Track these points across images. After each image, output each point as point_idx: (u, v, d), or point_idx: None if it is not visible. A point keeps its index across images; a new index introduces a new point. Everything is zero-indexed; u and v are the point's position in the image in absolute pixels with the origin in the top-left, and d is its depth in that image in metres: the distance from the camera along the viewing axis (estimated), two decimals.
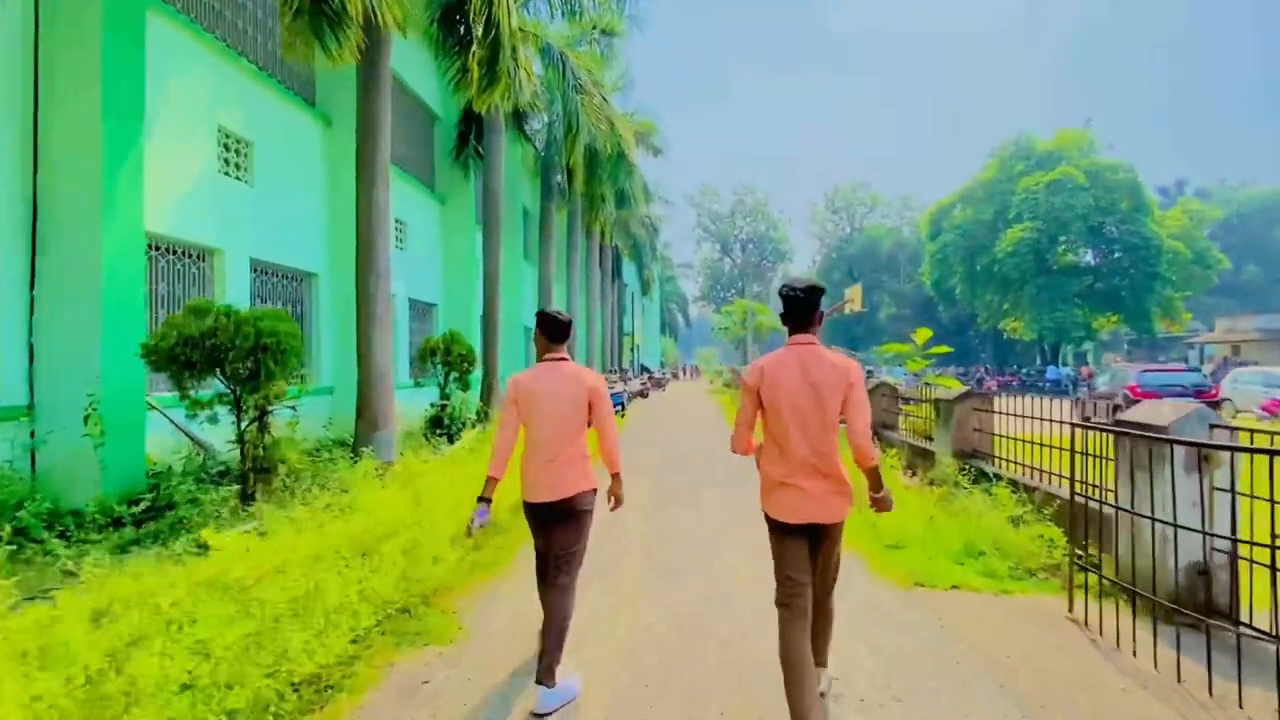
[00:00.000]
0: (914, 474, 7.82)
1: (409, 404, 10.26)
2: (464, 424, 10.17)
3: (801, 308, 2.55)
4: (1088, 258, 37.80)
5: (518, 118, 14.35)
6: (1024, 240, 33.78)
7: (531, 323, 4.20)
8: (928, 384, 9.37)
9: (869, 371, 30.43)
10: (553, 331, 2.99)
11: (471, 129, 13.47)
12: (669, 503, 7.26)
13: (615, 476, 3.09)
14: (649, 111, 24.96)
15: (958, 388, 9.32)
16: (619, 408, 16.88)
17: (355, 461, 6.62)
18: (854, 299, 25.14)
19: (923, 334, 9.68)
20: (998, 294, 39.59)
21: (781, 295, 2.61)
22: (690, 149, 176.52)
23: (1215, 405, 14.02)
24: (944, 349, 10.06)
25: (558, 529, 2.88)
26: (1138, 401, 13.89)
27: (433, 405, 10.00)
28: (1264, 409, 15.38)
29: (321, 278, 10.02)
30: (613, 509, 3.12)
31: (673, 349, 66.45)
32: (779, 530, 2.54)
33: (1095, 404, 5.86)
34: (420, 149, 13.80)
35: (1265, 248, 61.27)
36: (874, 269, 64.98)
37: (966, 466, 6.45)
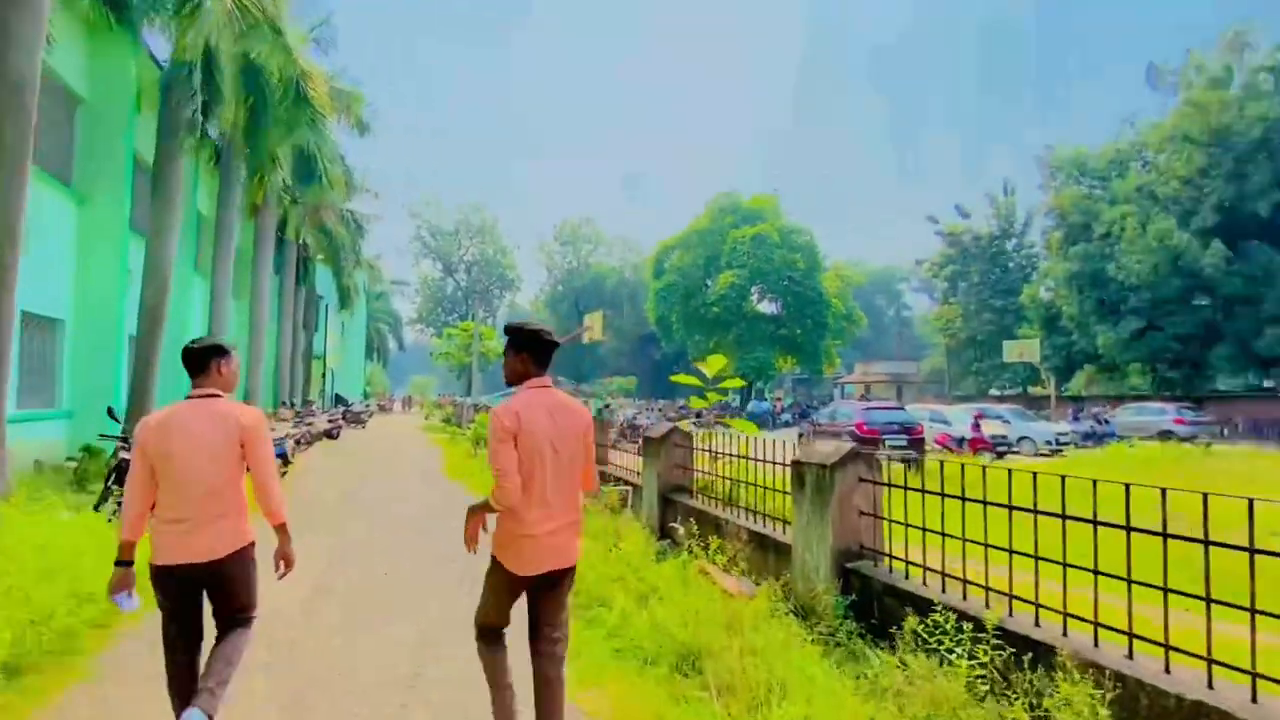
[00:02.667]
0: (755, 580, 5.17)
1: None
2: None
3: (549, 351, 2.59)
4: (774, 307, 43.54)
5: None
6: (733, 285, 36.87)
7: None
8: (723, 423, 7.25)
9: (605, 405, 29.05)
10: (192, 361, 2.64)
11: None
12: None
13: (280, 530, 2.67)
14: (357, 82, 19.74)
15: (753, 431, 7.20)
16: (281, 461, 11.53)
17: None
18: (594, 326, 23.35)
19: (716, 362, 7.38)
20: (707, 334, 42.98)
21: (531, 336, 2.57)
22: (408, 155, 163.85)
23: (921, 440, 15.17)
24: (738, 382, 7.87)
25: (210, 595, 2.59)
26: (868, 438, 13.99)
27: None
28: (938, 442, 17.47)
29: None
30: (280, 575, 2.68)
31: (381, 376, 57.84)
32: (512, 584, 2.52)
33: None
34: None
35: (871, 310, 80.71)
36: (599, 303, 66.69)
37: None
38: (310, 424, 17.78)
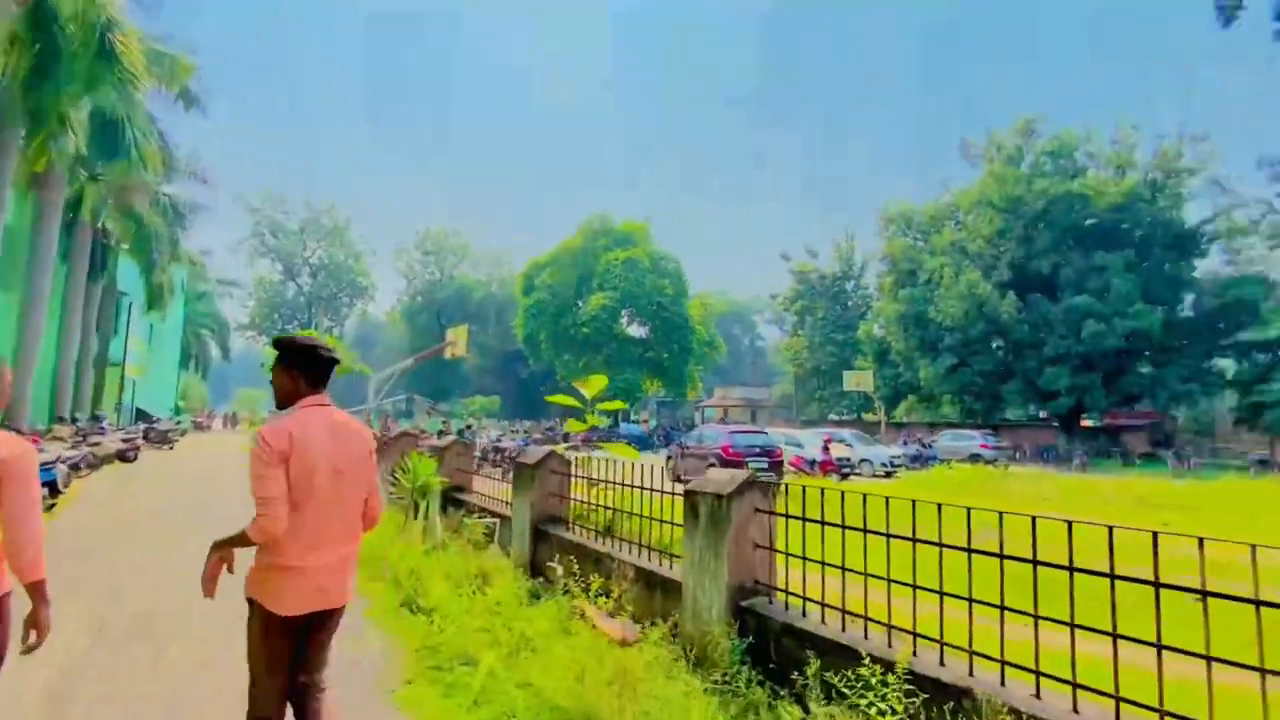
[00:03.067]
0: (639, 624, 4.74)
1: None
2: None
3: (326, 369, 2.41)
4: (643, 331, 44.37)
5: None
6: (605, 307, 36.96)
7: None
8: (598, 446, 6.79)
9: (467, 425, 27.29)
10: None
11: None
12: None
13: (35, 590, 2.14)
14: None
15: (634, 456, 6.90)
16: (48, 490, 9.24)
17: None
18: (457, 342, 21.94)
19: (596, 382, 6.99)
20: (576, 354, 42.64)
21: (305, 352, 2.37)
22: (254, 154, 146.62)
23: (780, 463, 15.86)
24: (619, 404, 7.58)
25: None
26: (733, 461, 14.32)
27: None
28: (792, 464, 18.46)
29: None
30: (27, 647, 2.16)
31: (199, 389, 50.38)
32: (279, 629, 2.22)
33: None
34: None
35: (729, 338, 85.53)
36: (463, 318, 63.69)
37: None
38: (97, 444, 14.68)
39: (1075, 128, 33.98)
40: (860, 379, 36.97)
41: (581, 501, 6.21)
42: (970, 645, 2.85)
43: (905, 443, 26.95)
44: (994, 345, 33.48)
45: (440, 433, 26.66)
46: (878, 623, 3.29)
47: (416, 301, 68.26)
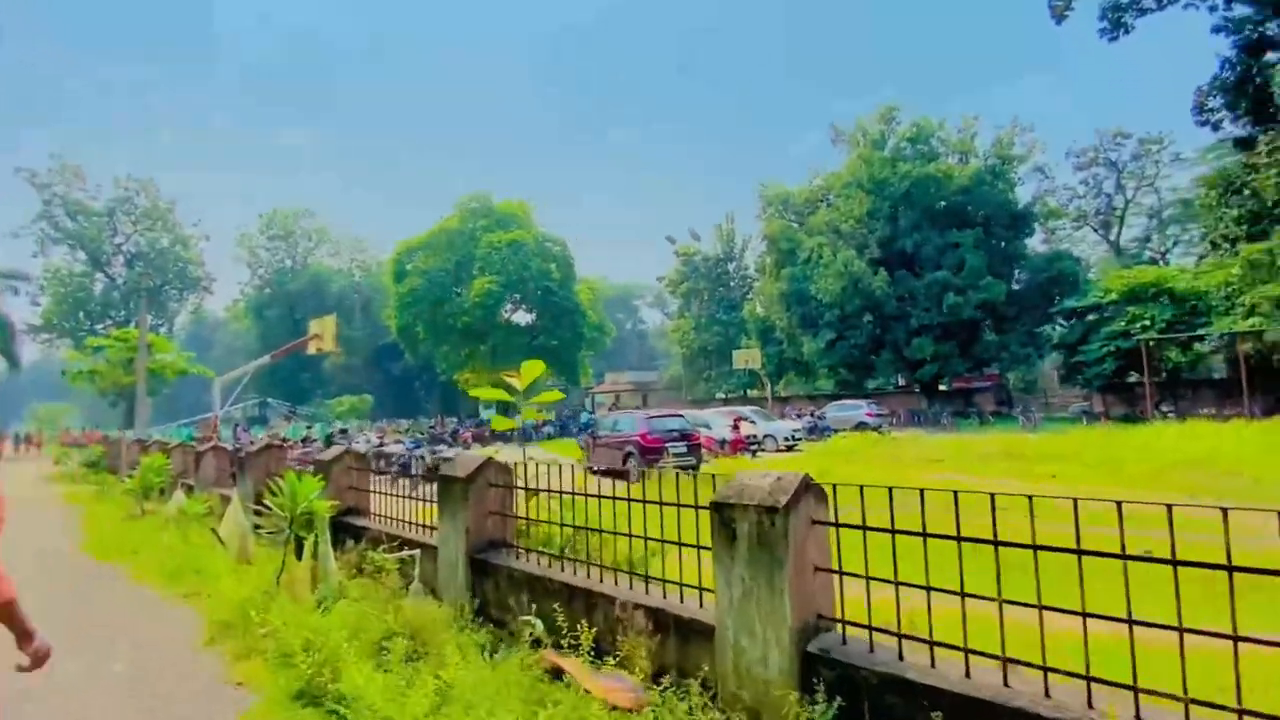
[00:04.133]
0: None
1: None
2: None
3: None
4: (529, 317, 42.37)
5: None
6: (489, 292, 34.57)
7: None
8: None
9: (341, 430, 23.98)
10: None
11: None
12: None
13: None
14: None
15: (576, 455, 5.71)
16: None
17: None
18: (323, 335, 19.01)
19: (532, 369, 5.73)
20: (458, 345, 39.76)
21: None
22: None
23: (698, 447, 15.24)
24: (555, 394, 6.34)
25: None
26: (652, 448, 13.47)
27: None
28: (704, 446, 18.03)
29: None
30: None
31: None
32: None
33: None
34: None
35: (612, 323, 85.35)
36: (321, 310, 57.29)
37: None
38: None
39: (931, 115, 36.79)
40: (748, 357, 37.88)
41: (529, 520, 4.91)
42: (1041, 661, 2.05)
43: (799, 415, 27.79)
44: (866, 319, 35.61)
45: (304, 439, 23.33)
46: (954, 648, 2.46)
47: (264, 294, 60.60)
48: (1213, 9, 20.55)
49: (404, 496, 6.35)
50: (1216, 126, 20.14)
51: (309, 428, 29.94)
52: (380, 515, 6.76)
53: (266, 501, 6.12)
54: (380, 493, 6.83)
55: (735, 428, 18.84)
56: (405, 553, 5.44)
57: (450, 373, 43.98)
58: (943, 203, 35.48)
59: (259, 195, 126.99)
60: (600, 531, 4.33)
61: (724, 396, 49.05)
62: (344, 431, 21.26)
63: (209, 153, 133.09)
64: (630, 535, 4.04)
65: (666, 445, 14.42)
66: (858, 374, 39.10)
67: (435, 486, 5.48)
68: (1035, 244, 40.20)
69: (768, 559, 2.99)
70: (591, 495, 4.36)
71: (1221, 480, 11.72)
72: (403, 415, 58.82)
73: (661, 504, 3.85)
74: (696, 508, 3.54)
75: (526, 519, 4.96)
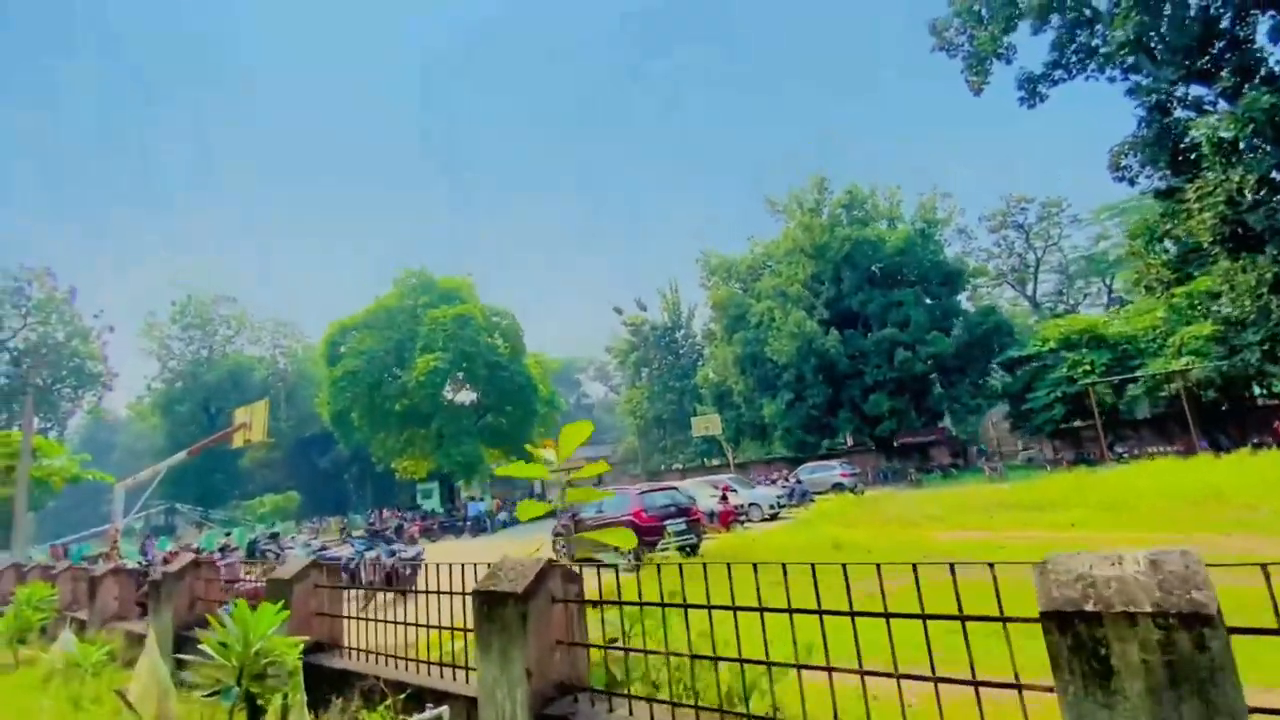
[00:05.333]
0: None
1: None
2: None
3: None
4: (473, 395, 40.15)
5: None
6: (436, 370, 32.46)
7: None
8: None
9: (271, 533, 20.70)
10: None
11: None
12: None
13: None
14: None
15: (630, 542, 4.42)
16: None
17: None
18: (252, 423, 16.56)
19: (575, 433, 4.42)
20: (398, 429, 36.90)
21: None
22: None
23: (697, 520, 13.77)
24: (602, 466, 5.03)
25: None
26: (650, 528, 11.95)
27: None
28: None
29: None
30: None
31: None
32: None
33: None
34: None
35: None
36: (242, 402, 52.72)
37: None
38: None
39: (860, 184, 38.84)
40: (708, 423, 36.95)
41: (625, 648, 3.46)
42: None
43: (771, 481, 26.74)
44: (821, 378, 35.71)
45: (222, 549, 20.12)
46: None
47: (175, 388, 55.38)
48: (1111, 80, 22.68)
49: (392, 622, 4.68)
50: (1133, 182, 21.74)
51: (227, 534, 26.26)
52: (365, 650, 4.98)
53: (203, 645, 4.30)
54: (365, 618, 5.08)
55: (724, 498, 17.49)
56: (429, 714, 3.76)
57: (388, 460, 40.63)
58: (880, 264, 36.88)
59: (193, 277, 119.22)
60: (716, 659, 2.93)
61: (681, 467, 47.61)
62: (274, 536, 18.35)
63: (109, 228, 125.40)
64: (769, 664, 2.68)
65: (665, 523, 12.90)
66: (815, 434, 38.87)
67: (413, 598, 3.94)
68: (961, 301, 42.35)
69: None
70: (721, 607, 2.99)
71: (1244, 514, 11.39)
72: (332, 512, 53.76)
73: (821, 613, 2.54)
74: (847, 614, 2.27)
75: (616, 647, 3.49)
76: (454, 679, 4.03)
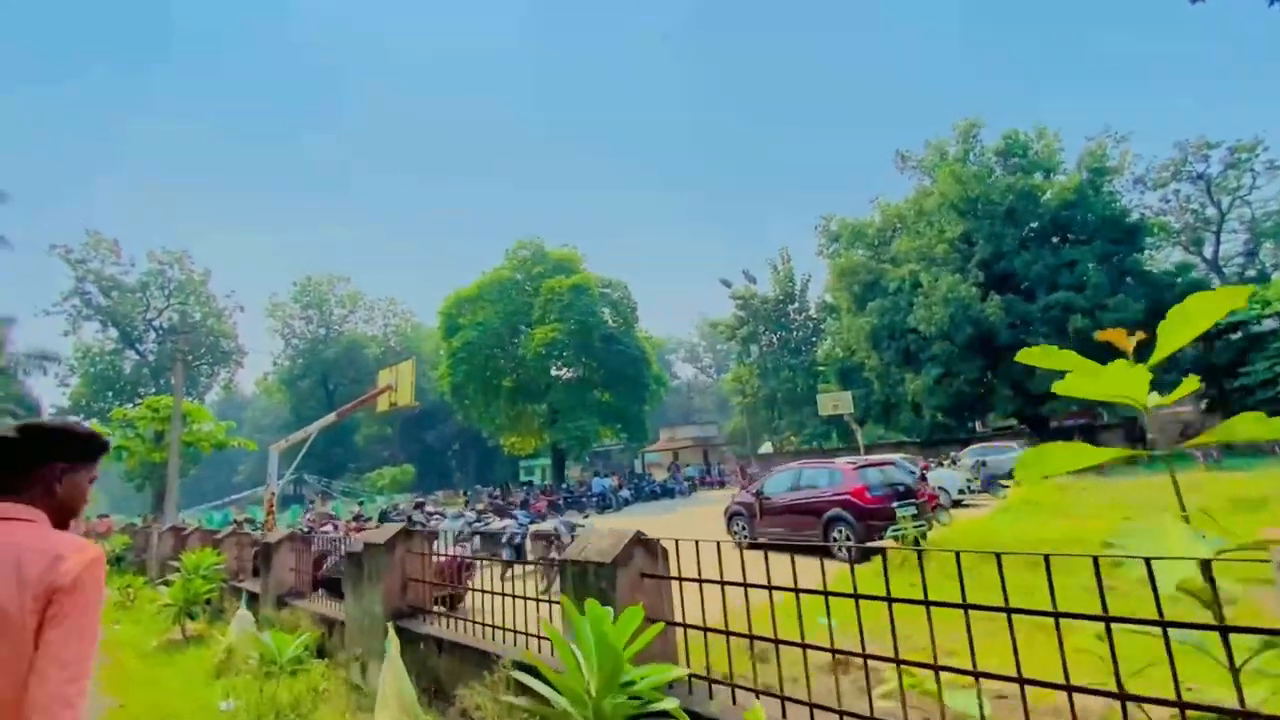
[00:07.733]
0: None
1: None
2: None
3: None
4: (581, 371, 38.83)
5: None
6: (554, 341, 31.14)
7: None
8: None
9: (418, 503, 19.97)
10: None
11: None
12: None
13: None
14: None
15: None
16: None
17: None
18: (400, 385, 15.43)
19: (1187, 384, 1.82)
20: (508, 403, 36.13)
21: None
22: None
23: (929, 502, 11.15)
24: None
25: None
26: (875, 510, 9.43)
27: None
28: None
29: None
30: None
31: None
32: None
33: None
34: None
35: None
36: (356, 379, 54.49)
37: None
38: None
39: (1019, 128, 33.88)
40: (838, 400, 33.68)
41: None
42: None
43: (954, 463, 23.41)
44: (976, 350, 31.56)
45: (355, 517, 19.50)
46: None
47: (297, 365, 58.05)
48: None
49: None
50: None
51: (360, 504, 26.13)
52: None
53: (517, 675, 2.26)
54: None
55: (923, 478, 14.69)
56: None
57: (496, 435, 40.19)
58: (1047, 219, 32.03)
59: (284, 256, 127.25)
60: None
61: (806, 447, 44.53)
62: (419, 505, 17.31)
63: (237, 211, 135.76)
64: None
65: (893, 505, 10.36)
66: (959, 414, 34.69)
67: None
68: (1143, 260, 36.41)
69: None
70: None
71: None
72: (437, 486, 54.75)
73: None
74: None
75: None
76: None
